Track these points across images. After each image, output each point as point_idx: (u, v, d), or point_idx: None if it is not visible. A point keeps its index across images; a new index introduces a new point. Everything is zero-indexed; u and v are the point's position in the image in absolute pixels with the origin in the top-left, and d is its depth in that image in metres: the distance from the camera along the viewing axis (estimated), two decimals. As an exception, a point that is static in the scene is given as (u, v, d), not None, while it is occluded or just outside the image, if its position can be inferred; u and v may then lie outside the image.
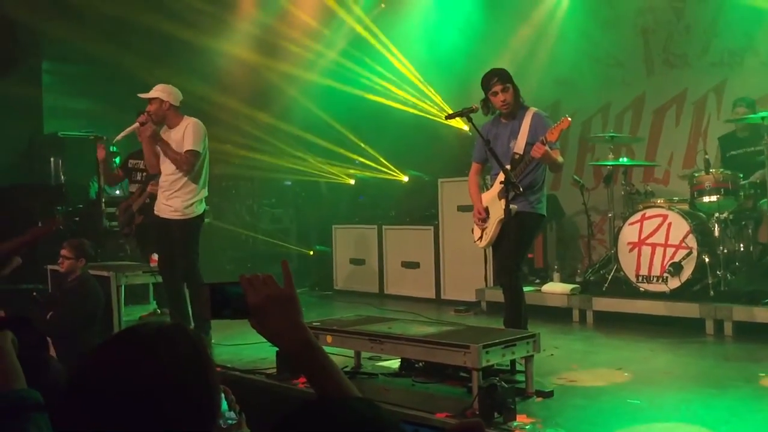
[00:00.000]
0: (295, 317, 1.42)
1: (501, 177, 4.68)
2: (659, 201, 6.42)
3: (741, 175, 5.99)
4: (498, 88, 4.83)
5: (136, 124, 5.58)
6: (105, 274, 6.22)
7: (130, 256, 8.19)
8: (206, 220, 6.02)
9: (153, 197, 6.03)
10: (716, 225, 5.95)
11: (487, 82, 4.89)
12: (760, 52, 7.08)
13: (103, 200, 8.66)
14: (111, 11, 8.46)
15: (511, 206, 4.63)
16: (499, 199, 4.75)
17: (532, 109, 4.92)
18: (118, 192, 8.83)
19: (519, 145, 4.82)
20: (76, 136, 9.32)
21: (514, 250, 4.74)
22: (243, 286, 1.42)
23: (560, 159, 4.86)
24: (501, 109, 4.90)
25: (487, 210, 4.98)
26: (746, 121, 6.15)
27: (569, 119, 4.56)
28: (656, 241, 6.11)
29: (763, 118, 5.70)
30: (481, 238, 5.05)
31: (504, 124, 4.96)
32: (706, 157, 6.11)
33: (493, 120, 5.04)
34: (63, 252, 5.46)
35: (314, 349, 1.42)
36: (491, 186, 5.07)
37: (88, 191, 8.94)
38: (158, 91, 5.46)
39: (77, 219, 8.25)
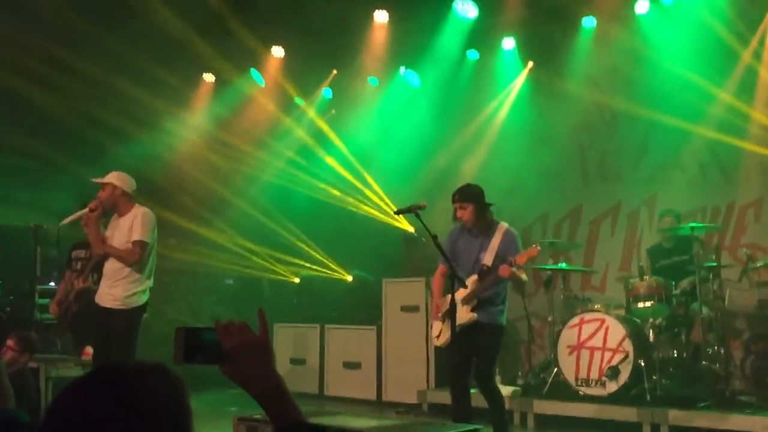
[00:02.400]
0: (268, 364, 1.44)
1: (461, 292, 4.83)
2: (597, 306, 6.61)
3: (673, 283, 6.25)
4: (456, 205, 5.13)
5: (86, 210, 5.43)
6: (34, 365, 5.95)
7: (60, 350, 7.87)
8: (144, 315, 5.84)
9: (90, 290, 5.89)
10: (651, 330, 6.14)
11: (452, 196, 5.19)
12: (687, 169, 7.56)
13: (37, 292, 8.42)
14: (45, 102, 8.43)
15: (474, 315, 4.91)
16: (462, 305, 4.87)
17: (504, 226, 5.16)
18: (52, 284, 8.60)
19: (488, 258, 5.05)
20: (11, 226, 9.13)
21: (487, 364, 5.02)
22: (218, 332, 1.43)
23: (524, 277, 5.11)
24: (463, 223, 5.15)
25: (445, 315, 5.08)
26: (675, 232, 6.48)
27: (538, 248, 4.87)
28: (595, 345, 6.24)
29: (692, 229, 6.03)
30: (438, 336, 5.17)
31: (474, 234, 5.17)
32: (641, 264, 6.38)
33: (462, 227, 5.23)
34: (9, 342, 5.25)
35: (286, 397, 1.43)
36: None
37: (21, 282, 8.67)
38: (113, 177, 5.43)
39: (9, 310, 7.95)
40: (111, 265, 5.44)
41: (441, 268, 5.28)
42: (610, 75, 8.03)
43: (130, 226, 5.37)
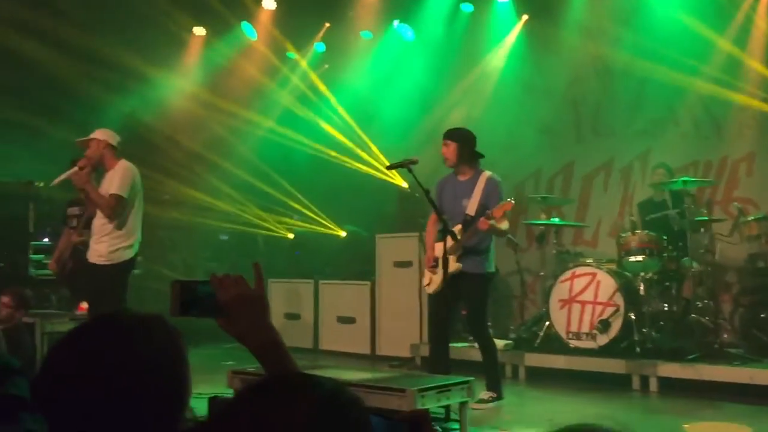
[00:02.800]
0: (264, 317, 1.45)
1: (448, 242, 4.83)
2: (588, 260, 6.65)
3: (665, 237, 6.28)
4: (442, 143, 5.14)
5: (75, 168, 5.41)
6: (30, 320, 5.99)
7: (55, 306, 7.91)
8: (136, 270, 5.84)
9: (86, 244, 5.88)
10: (642, 284, 6.19)
11: None
12: (681, 123, 7.54)
13: (31, 248, 8.42)
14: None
15: (459, 265, 4.95)
16: (448, 255, 4.88)
17: (487, 174, 5.18)
18: (46, 240, 8.59)
19: (472, 206, 5.09)
20: (5, 182, 9.06)
21: (477, 312, 5.12)
22: (213, 285, 1.43)
23: (503, 226, 5.08)
24: (445, 163, 5.17)
25: (437, 259, 5.12)
26: (667, 188, 6.49)
27: (512, 202, 4.94)
28: (586, 299, 6.30)
29: (684, 182, 6.04)
30: (429, 284, 5.24)
31: (460, 182, 5.22)
32: (632, 218, 6.41)
33: (449, 175, 5.30)
34: (3, 299, 5.28)
35: (281, 350, 1.44)
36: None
37: (15, 238, 8.65)
38: (96, 133, 5.42)
39: (2, 265, 7.96)
40: (97, 221, 5.46)
41: (432, 216, 5.31)
42: (604, 27, 7.93)
43: (111, 179, 5.36)
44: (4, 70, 8.25)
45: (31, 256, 8.16)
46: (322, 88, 9.56)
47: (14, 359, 1.20)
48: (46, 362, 1.24)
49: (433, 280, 5.16)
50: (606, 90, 8.11)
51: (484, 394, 5.08)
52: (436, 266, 5.12)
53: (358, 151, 9.20)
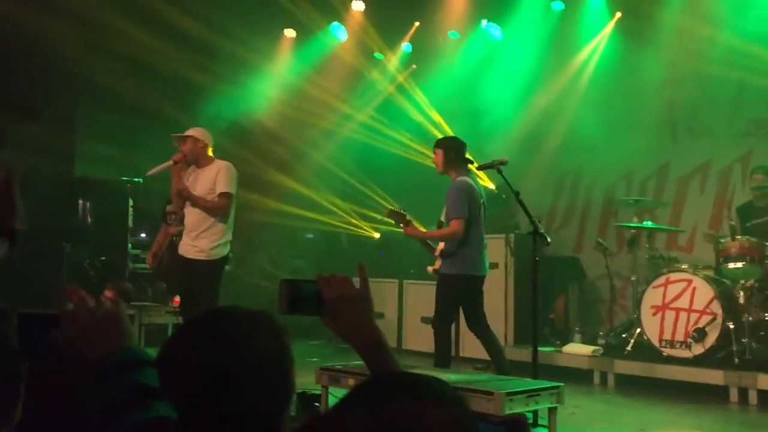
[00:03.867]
0: (369, 317, 1.48)
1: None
2: (684, 266, 6.41)
3: (766, 243, 5.99)
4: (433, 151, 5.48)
5: (170, 162, 5.54)
6: (129, 312, 6.26)
7: (151, 298, 8.25)
8: (227, 267, 5.99)
9: (179, 236, 6.05)
10: (741, 292, 5.91)
11: None
12: (787, 124, 7.16)
13: (130, 243, 8.82)
14: (146, 58, 8.66)
15: (436, 266, 5.38)
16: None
17: (457, 180, 5.32)
18: (143, 235, 8.97)
19: (443, 212, 5.39)
20: (106, 180, 9.50)
21: (438, 308, 5.35)
22: (320, 284, 1.47)
23: (432, 239, 5.41)
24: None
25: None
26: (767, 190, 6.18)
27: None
28: (680, 306, 6.08)
29: (788, 187, 5.73)
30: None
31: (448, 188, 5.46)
32: (732, 223, 6.13)
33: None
34: (107, 293, 5.53)
35: (385, 351, 1.47)
36: None
37: (115, 234, 9.06)
38: (193, 131, 5.56)
39: (104, 259, 8.35)
40: (193, 217, 5.52)
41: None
42: (701, 25, 7.61)
43: (214, 178, 5.46)
44: (108, 75, 8.63)
45: (130, 250, 8.54)
46: (410, 88, 9.58)
47: (145, 350, 1.26)
48: (162, 353, 1.30)
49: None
50: (704, 89, 7.78)
51: None
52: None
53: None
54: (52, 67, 8.83)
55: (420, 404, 1.04)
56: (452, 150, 5.39)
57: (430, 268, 5.45)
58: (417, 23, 9.41)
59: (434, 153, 5.46)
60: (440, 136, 8.72)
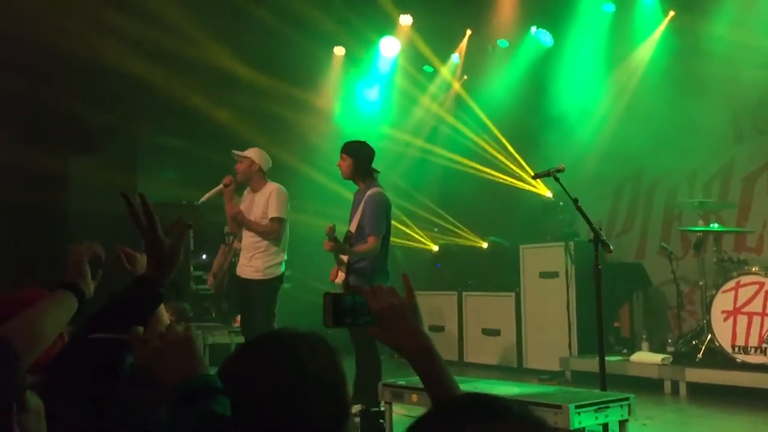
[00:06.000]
0: (417, 325, 1.48)
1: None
2: (755, 268, 6.17)
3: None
4: (340, 156, 5.26)
5: (221, 186, 5.63)
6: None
7: (215, 318, 8.38)
8: (285, 285, 6.05)
9: (237, 257, 6.15)
10: (818, 294, 5.66)
11: None
12: None
13: (191, 265, 8.98)
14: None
15: (342, 276, 5.16)
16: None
17: (372, 190, 5.16)
18: (204, 256, 9.12)
19: (353, 223, 5.17)
20: (166, 203, 9.71)
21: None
22: (366, 296, 1.48)
23: (359, 252, 5.05)
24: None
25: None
26: None
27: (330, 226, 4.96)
28: (753, 310, 5.85)
29: None
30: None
31: (355, 197, 5.32)
32: (805, 222, 5.88)
33: (357, 191, 5.38)
34: None
35: (434, 356, 1.46)
36: None
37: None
38: (252, 152, 5.66)
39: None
40: (248, 239, 5.67)
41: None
42: (761, 14, 7.35)
43: (266, 202, 5.57)
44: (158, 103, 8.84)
45: (192, 272, 8.70)
46: (462, 98, 9.53)
47: (217, 379, 1.27)
48: (221, 370, 1.34)
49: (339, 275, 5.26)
50: (766, 84, 7.51)
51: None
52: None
53: (500, 161, 9.07)
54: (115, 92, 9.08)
55: (492, 427, 1.01)
56: (361, 157, 5.24)
57: (337, 280, 5.21)
58: (468, 33, 9.38)
59: (341, 158, 5.26)
60: (494, 147, 8.67)
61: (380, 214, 5.08)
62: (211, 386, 1.23)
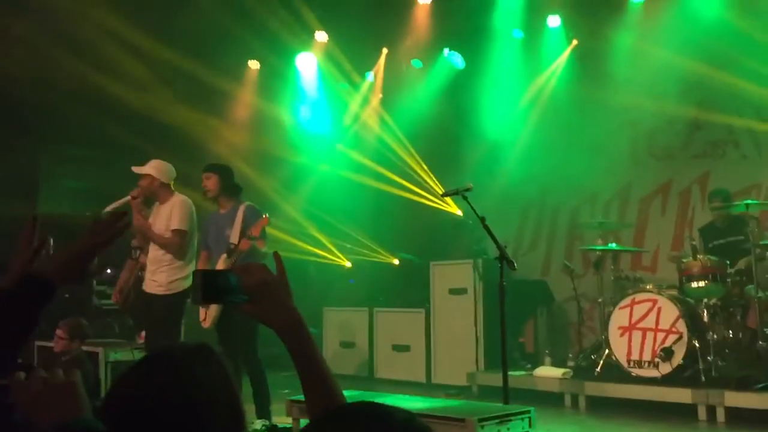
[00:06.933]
0: (287, 300, 1.51)
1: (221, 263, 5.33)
2: (648, 286, 6.51)
3: (728, 263, 6.11)
4: (203, 176, 5.58)
5: (128, 197, 5.49)
6: (94, 349, 6.15)
7: (118, 335, 8.09)
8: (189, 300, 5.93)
9: (143, 271, 5.99)
10: (705, 311, 6.02)
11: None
12: (741, 145, 7.36)
13: (94, 279, 8.65)
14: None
15: None
16: None
17: (245, 204, 5.52)
18: (109, 270, 8.82)
19: (234, 235, 5.41)
20: (68, 215, 9.34)
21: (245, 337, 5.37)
22: (237, 272, 1.50)
23: (263, 249, 5.38)
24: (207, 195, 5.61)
25: None
26: (729, 210, 6.33)
27: (267, 217, 5.30)
28: (647, 326, 6.16)
29: (747, 206, 5.88)
30: (204, 319, 5.48)
31: (221, 215, 5.58)
32: (693, 243, 6.25)
33: (212, 213, 5.73)
34: (58, 332, 5.39)
35: (303, 330, 1.50)
36: None
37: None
38: (151, 167, 5.50)
39: (67, 295, 8.18)
40: (153, 253, 5.54)
41: (203, 254, 5.68)
42: (657, 45, 7.80)
43: (169, 215, 5.46)
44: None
45: (95, 286, 8.39)
46: (374, 117, 9.64)
47: (98, 421, 1.25)
48: (108, 398, 1.33)
49: (207, 316, 5.43)
50: (662, 112, 7.96)
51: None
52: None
53: (411, 179, 9.21)
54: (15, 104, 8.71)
55: None
56: (227, 174, 5.58)
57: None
58: (384, 51, 9.51)
59: (206, 177, 5.55)
60: (405, 165, 8.80)
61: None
62: (90, 429, 1.22)
